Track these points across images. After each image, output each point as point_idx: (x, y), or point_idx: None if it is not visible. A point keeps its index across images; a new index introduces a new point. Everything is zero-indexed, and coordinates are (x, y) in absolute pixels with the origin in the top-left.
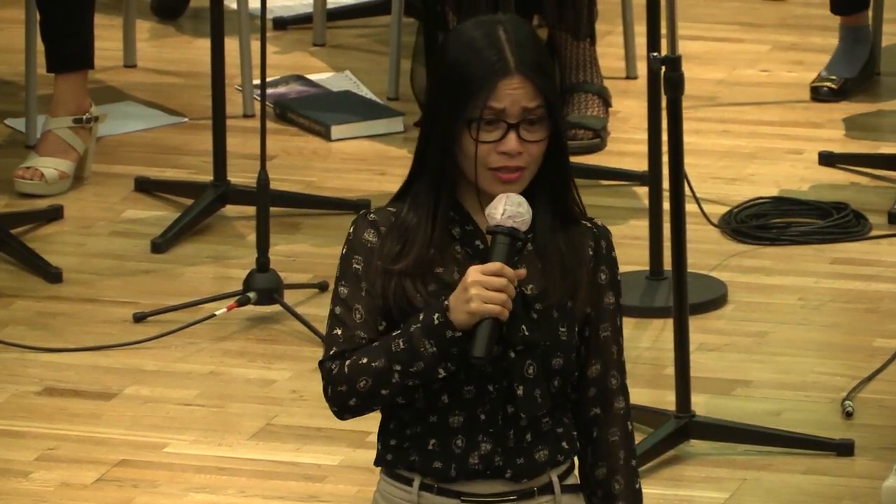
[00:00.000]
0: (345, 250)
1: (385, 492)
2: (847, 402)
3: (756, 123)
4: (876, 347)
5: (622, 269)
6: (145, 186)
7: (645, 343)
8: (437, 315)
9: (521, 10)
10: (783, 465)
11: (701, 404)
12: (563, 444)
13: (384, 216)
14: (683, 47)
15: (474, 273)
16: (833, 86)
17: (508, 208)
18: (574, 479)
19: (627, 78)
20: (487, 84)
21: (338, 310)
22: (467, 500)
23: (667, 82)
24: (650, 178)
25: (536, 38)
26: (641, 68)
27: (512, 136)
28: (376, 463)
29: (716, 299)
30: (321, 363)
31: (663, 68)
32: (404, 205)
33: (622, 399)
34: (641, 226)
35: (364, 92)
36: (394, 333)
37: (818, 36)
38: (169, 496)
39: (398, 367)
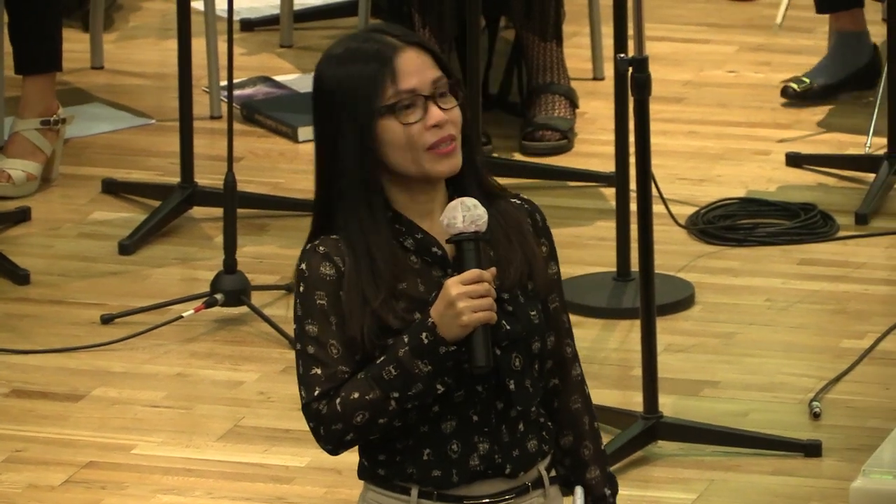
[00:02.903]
0: (302, 288)
1: (375, 502)
2: (815, 402)
3: (723, 124)
4: (843, 348)
5: (589, 270)
6: (112, 188)
7: (612, 344)
8: (424, 335)
9: (489, 12)
10: (751, 465)
11: (668, 405)
12: (545, 433)
13: (332, 245)
14: (650, 48)
15: (456, 286)
16: (797, 88)
17: (467, 214)
18: (553, 471)
19: (594, 79)
20: (387, 67)
21: (311, 349)
22: (469, 503)
23: (634, 83)
24: (617, 179)
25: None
26: (608, 69)
27: (433, 107)
28: (362, 476)
29: (683, 300)
30: (306, 406)
31: (630, 69)
32: (342, 237)
33: (577, 366)
34: (608, 227)
35: None
36: (378, 362)
37: (786, 37)
38: (137, 498)
39: (395, 395)
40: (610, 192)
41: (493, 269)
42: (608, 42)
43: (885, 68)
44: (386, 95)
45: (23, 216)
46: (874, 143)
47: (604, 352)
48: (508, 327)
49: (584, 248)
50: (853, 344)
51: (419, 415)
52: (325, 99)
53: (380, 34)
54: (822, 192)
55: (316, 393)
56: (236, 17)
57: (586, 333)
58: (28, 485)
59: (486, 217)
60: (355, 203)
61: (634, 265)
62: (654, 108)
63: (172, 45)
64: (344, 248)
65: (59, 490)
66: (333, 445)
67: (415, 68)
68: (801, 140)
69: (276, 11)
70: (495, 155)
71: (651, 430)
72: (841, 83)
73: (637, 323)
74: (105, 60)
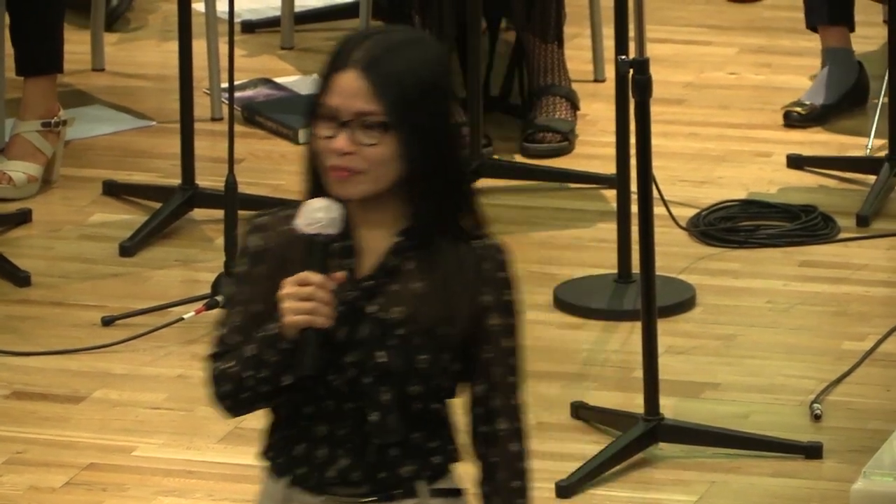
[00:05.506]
0: (237, 252)
1: (264, 482)
2: (815, 404)
3: (724, 126)
4: (844, 350)
5: (589, 272)
6: (113, 190)
7: (613, 346)
8: (273, 325)
9: (489, 13)
10: (752, 467)
11: (669, 407)
12: (434, 458)
13: (275, 220)
14: (651, 50)
15: (287, 286)
16: (801, 111)
17: (308, 215)
18: (449, 482)
19: (595, 81)
20: (327, 76)
21: (224, 310)
22: (331, 499)
23: (635, 85)
24: (618, 181)
25: (421, 54)
26: (609, 71)
27: (342, 136)
28: (261, 456)
29: (684, 302)
30: (204, 361)
31: (631, 71)
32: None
33: (505, 420)
34: (609, 229)
35: None
36: (250, 339)
37: (786, 39)
38: (138, 499)
39: (249, 373)
40: (611, 193)
41: (340, 274)
42: (609, 44)
43: (887, 70)
44: (316, 100)
45: (23, 218)
46: (875, 145)
47: (605, 354)
48: (381, 360)
49: (585, 250)
50: (854, 346)
51: (295, 410)
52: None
53: (366, 42)
54: (822, 193)
55: (211, 352)
56: (237, 19)
57: (587, 335)
58: (29, 486)
59: (326, 221)
60: (305, 187)
61: (635, 267)
62: (655, 110)
63: (173, 46)
64: (283, 225)
65: (60, 492)
66: (219, 408)
67: (344, 91)
68: (802, 142)
69: (277, 13)
70: (496, 157)
71: (652, 431)
72: (838, 102)
73: (638, 325)
74: (106, 62)
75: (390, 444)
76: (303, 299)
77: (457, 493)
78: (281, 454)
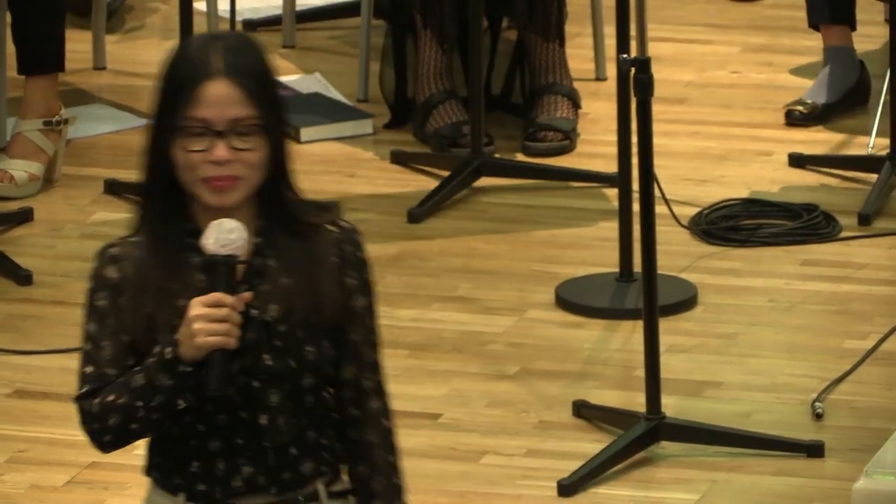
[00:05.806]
0: (89, 286)
1: (151, 497)
2: (817, 403)
3: (726, 125)
4: (846, 349)
5: (591, 270)
6: (115, 189)
7: (615, 345)
8: (168, 350)
9: (491, 13)
10: (753, 466)
11: (671, 406)
12: (327, 454)
13: (126, 248)
14: (653, 49)
15: (196, 307)
16: (803, 110)
17: (220, 236)
18: (342, 484)
19: (597, 79)
20: (190, 88)
21: (87, 346)
22: None
23: (636, 84)
24: (620, 180)
25: (260, 53)
26: (611, 70)
27: (220, 145)
28: (145, 473)
29: (686, 301)
30: (75, 401)
31: (633, 70)
32: (140, 239)
33: (377, 399)
34: (611, 227)
35: (333, 94)
36: (135, 369)
37: (788, 37)
38: (139, 498)
39: (140, 403)
40: (612, 192)
41: (247, 295)
42: (611, 42)
43: (888, 69)
44: (180, 115)
45: (25, 217)
46: (876, 144)
47: (606, 352)
48: (270, 362)
49: (587, 249)
50: (856, 344)
51: (184, 430)
52: (157, 91)
53: (215, 50)
54: (824, 192)
55: (83, 391)
56: (238, 18)
57: (588, 334)
58: (31, 485)
59: (240, 242)
60: (153, 207)
61: (637, 266)
62: (657, 109)
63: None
64: (136, 252)
65: (62, 490)
66: (97, 444)
67: (216, 101)
68: (803, 141)
69: (279, 12)
70: (497, 156)
71: (654, 430)
72: (840, 101)
73: (640, 324)
74: (107, 61)
75: (287, 445)
76: (216, 321)
77: (347, 493)
78: (173, 475)
